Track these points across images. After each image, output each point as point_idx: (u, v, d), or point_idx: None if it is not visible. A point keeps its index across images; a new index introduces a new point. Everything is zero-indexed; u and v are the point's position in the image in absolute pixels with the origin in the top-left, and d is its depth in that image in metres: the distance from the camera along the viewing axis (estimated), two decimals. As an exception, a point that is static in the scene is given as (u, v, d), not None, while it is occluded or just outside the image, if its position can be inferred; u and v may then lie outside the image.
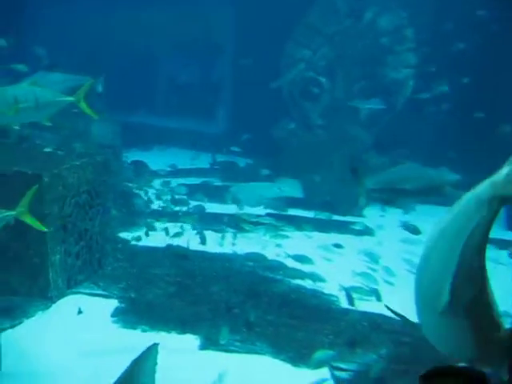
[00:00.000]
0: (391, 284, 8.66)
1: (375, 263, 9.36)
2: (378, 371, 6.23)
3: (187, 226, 10.28)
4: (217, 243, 9.73)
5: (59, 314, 7.11)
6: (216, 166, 14.32)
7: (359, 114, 13.09)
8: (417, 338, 6.62)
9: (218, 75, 17.49)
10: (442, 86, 12.69)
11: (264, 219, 10.46)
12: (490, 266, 3.90)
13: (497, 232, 5.26)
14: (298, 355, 6.55)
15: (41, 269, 7.34)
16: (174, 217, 10.69)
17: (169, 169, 13.87)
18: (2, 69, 10.39)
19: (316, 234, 10.55)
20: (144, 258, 8.80)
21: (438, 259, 4.01)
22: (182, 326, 6.96)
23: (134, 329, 6.88)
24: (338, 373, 6.30)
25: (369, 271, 8.94)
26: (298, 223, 10.74)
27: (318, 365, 6.33)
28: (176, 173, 13.64)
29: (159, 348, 5.75)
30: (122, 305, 7.39)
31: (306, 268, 8.79)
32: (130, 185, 11.32)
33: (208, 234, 9.91)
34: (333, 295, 8.06)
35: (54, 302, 7.30)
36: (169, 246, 9.25)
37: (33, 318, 6.94)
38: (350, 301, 7.74)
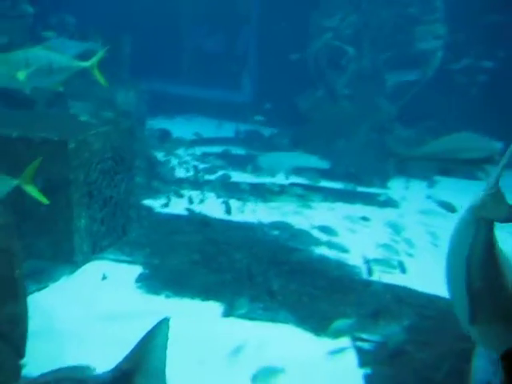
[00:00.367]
0: (414, 256, 8.63)
1: (399, 235, 9.32)
2: (399, 343, 6.23)
3: (211, 195, 10.32)
4: (240, 212, 9.74)
5: (84, 278, 7.21)
6: (240, 135, 14.29)
7: (386, 84, 12.95)
8: (441, 312, 6.65)
9: (243, 44, 17.39)
10: (472, 58, 12.48)
11: (289, 189, 10.46)
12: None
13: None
14: (320, 325, 6.56)
15: (66, 234, 7.42)
16: (197, 185, 10.73)
17: (193, 137, 13.86)
18: (31, 36, 10.41)
19: (340, 205, 10.52)
20: (168, 225, 8.85)
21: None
22: (205, 293, 7.01)
23: (158, 294, 6.95)
24: (359, 343, 6.31)
25: (392, 243, 8.91)
26: (323, 194, 10.72)
27: (337, 333, 6.36)
28: (200, 141, 13.64)
29: (181, 316, 5.87)
30: (146, 271, 7.46)
31: (329, 238, 8.79)
32: (155, 152, 11.33)
33: (232, 202, 9.93)
34: (356, 266, 8.05)
35: (79, 267, 7.39)
36: (192, 214, 9.30)
37: (58, 282, 7.04)
38: (370, 272, 7.74)
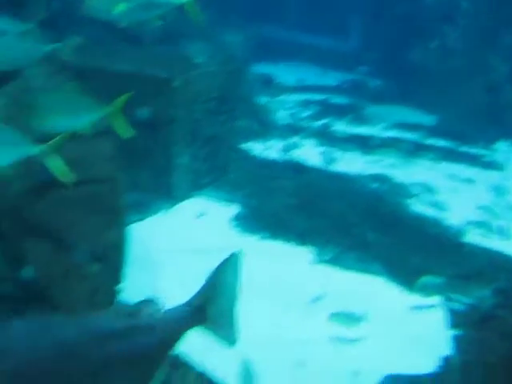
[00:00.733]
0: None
1: (501, 198, 8.99)
2: (491, 306, 6.08)
3: (310, 142, 10.26)
4: (341, 162, 9.64)
5: (182, 213, 7.41)
6: (344, 84, 14.04)
7: (501, 42, 12.32)
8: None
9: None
10: None
11: (391, 142, 10.25)
12: None
13: None
14: (412, 281, 6.48)
15: (168, 169, 7.62)
16: (297, 131, 10.67)
17: (296, 84, 13.74)
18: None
19: (443, 163, 10.19)
20: (266, 168, 8.90)
21: None
22: (300, 237, 7.05)
23: (253, 234, 7.06)
24: (449, 303, 6.20)
25: (493, 206, 8.62)
26: (426, 150, 10.43)
27: (425, 289, 6.28)
28: (303, 88, 13.50)
29: (274, 258, 5.93)
30: (243, 211, 7.57)
31: (429, 196, 8.60)
32: (258, 97, 11.33)
33: (331, 152, 9.85)
34: (453, 226, 7.85)
35: (178, 202, 7.59)
36: (291, 160, 9.30)
37: (157, 215, 7.27)
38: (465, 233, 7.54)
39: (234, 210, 7.59)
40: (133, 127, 7.53)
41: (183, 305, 2.41)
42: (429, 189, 8.75)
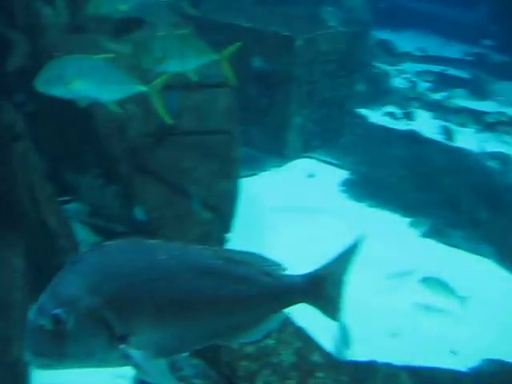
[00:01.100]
0: None
1: None
2: None
3: (427, 114, 9.97)
4: (458, 136, 9.31)
5: (291, 172, 7.44)
6: (467, 56, 13.49)
7: None
8: None
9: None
10: None
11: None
12: None
13: None
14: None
15: (282, 128, 7.64)
16: (415, 101, 10.39)
17: (418, 53, 13.35)
18: None
19: None
20: (379, 136, 8.74)
21: None
22: (408, 209, 6.92)
23: (360, 202, 7.00)
24: None
25: None
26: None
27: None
28: (424, 58, 13.10)
29: (378, 228, 5.83)
30: (352, 177, 7.51)
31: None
32: (377, 63, 11.10)
33: (450, 125, 9.52)
34: None
35: (289, 162, 7.62)
36: (406, 130, 9.08)
37: (267, 172, 7.34)
38: None
39: (343, 174, 7.54)
40: (250, 83, 7.64)
41: (305, 275, 2.42)
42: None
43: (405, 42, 13.87)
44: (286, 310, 2.39)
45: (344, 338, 4.88)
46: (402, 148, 8.42)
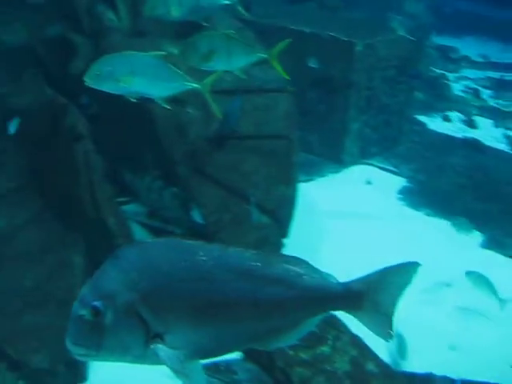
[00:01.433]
0: None
1: None
2: None
3: (490, 122, 9.73)
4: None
5: (348, 178, 7.39)
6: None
7: None
8: None
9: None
10: None
11: None
12: None
13: None
14: None
15: (339, 134, 7.59)
16: (477, 109, 10.18)
17: (478, 58, 13.08)
18: None
19: None
20: (438, 144, 8.59)
21: None
22: (466, 219, 6.77)
23: (417, 210, 6.89)
24: None
25: None
26: None
27: None
28: (486, 64, 12.82)
29: (436, 237, 5.71)
30: (410, 185, 7.40)
31: None
32: (437, 69, 10.93)
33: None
34: None
35: (346, 168, 7.57)
36: (467, 138, 8.90)
37: (324, 178, 7.31)
38: None
39: (400, 182, 7.44)
40: (309, 88, 7.63)
41: (344, 283, 2.37)
42: None
43: (466, 47, 13.63)
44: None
45: (400, 349, 4.80)
46: (462, 156, 8.26)
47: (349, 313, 2.36)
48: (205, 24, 5.85)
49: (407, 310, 4.99)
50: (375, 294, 2.33)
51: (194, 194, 5.25)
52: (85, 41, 6.47)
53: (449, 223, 6.73)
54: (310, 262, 2.29)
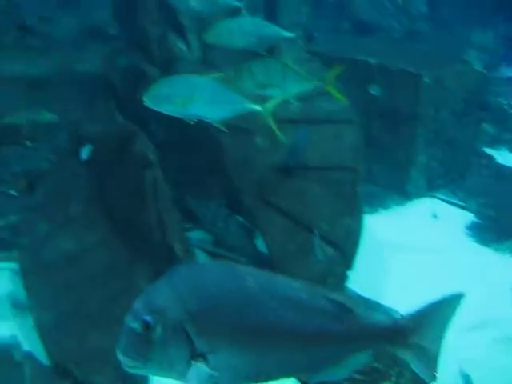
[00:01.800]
0: None
1: None
2: None
3: None
4: None
5: (414, 211, 7.27)
6: None
7: None
8: None
9: None
10: None
11: None
12: None
13: None
14: None
15: (404, 165, 7.51)
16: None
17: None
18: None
19: None
20: (509, 179, 8.36)
21: None
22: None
23: (486, 246, 6.70)
24: None
25: None
26: None
27: None
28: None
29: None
30: (478, 220, 7.22)
31: None
32: (506, 102, 10.69)
33: None
34: None
35: (411, 200, 7.45)
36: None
37: (388, 210, 7.21)
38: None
39: (468, 216, 7.27)
40: (374, 119, 7.61)
41: (390, 319, 2.35)
42: None
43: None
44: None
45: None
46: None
47: (395, 350, 2.33)
48: (269, 54, 5.92)
49: (475, 350, 4.91)
50: (419, 330, 2.32)
51: (259, 223, 5.28)
52: (155, 70, 6.65)
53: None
54: (364, 295, 2.28)
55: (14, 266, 5.72)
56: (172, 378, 2.24)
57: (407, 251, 6.31)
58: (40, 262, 5.40)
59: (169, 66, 6.61)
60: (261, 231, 5.24)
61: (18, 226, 6.04)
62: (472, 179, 8.12)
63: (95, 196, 5.91)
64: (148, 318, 2.16)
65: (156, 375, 2.31)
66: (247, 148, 5.51)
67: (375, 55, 7.85)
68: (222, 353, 2.20)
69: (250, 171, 5.46)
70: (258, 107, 4.39)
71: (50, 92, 6.90)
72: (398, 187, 7.53)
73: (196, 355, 2.18)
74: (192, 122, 4.45)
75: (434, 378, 2.35)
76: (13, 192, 6.57)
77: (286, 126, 4.64)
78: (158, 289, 2.24)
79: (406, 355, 2.35)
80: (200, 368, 2.18)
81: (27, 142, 6.74)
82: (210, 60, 6.64)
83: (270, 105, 4.42)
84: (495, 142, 9.38)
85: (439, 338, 2.36)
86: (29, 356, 4.78)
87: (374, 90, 7.47)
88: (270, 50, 5.89)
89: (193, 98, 4.30)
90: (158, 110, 4.40)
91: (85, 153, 5.94)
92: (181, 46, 6.84)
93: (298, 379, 2.40)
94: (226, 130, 4.45)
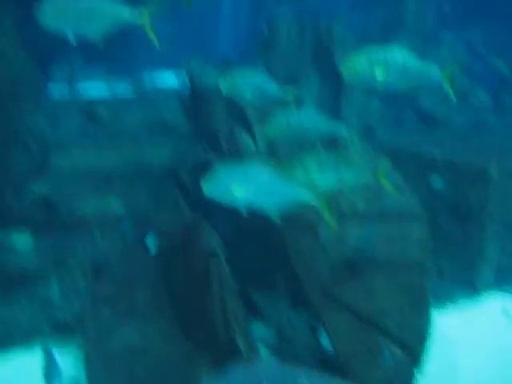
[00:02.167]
0: None
1: None
2: None
3: None
4: None
5: (483, 307, 7.02)
6: None
7: None
8: None
9: None
10: None
11: None
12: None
13: None
14: None
15: (473, 260, 7.30)
16: None
17: None
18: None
19: None
20: None
21: None
22: None
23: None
24: None
25: None
26: None
27: None
28: None
29: None
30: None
31: None
32: None
33: None
34: None
35: (480, 295, 7.21)
36: None
37: (456, 305, 6.98)
38: None
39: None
40: (442, 214, 7.49)
41: None
42: None
43: None
44: None
45: None
46: None
47: None
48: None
49: None
50: None
51: (323, 320, 5.18)
52: (217, 160, 6.80)
53: None
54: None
55: (77, 351, 5.77)
56: None
57: (477, 350, 6.06)
58: (104, 352, 5.42)
59: (235, 158, 6.74)
60: (326, 328, 5.13)
61: (83, 313, 6.11)
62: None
63: (160, 286, 5.96)
64: None
65: None
66: (312, 242, 5.49)
67: (441, 149, 7.81)
68: None
69: (315, 266, 5.41)
70: (312, 197, 4.38)
71: (118, 184, 7.12)
72: (467, 282, 7.32)
73: None
74: (245, 213, 4.45)
75: None
76: (79, 279, 6.68)
77: (352, 220, 4.62)
78: None
79: None
80: None
81: (95, 232, 6.90)
82: (273, 151, 6.75)
83: (325, 194, 4.41)
84: None
85: None
86: None
87: (436, 183, 7.39)
88: (332, 143, 5.97)
89: (249, 187, 4.33)
90: (215, 199, 4.43)
91: (151, 243, 6.04)
92: (247, 139, 6.99)
93: None
94: (280, 222, 4.43)
